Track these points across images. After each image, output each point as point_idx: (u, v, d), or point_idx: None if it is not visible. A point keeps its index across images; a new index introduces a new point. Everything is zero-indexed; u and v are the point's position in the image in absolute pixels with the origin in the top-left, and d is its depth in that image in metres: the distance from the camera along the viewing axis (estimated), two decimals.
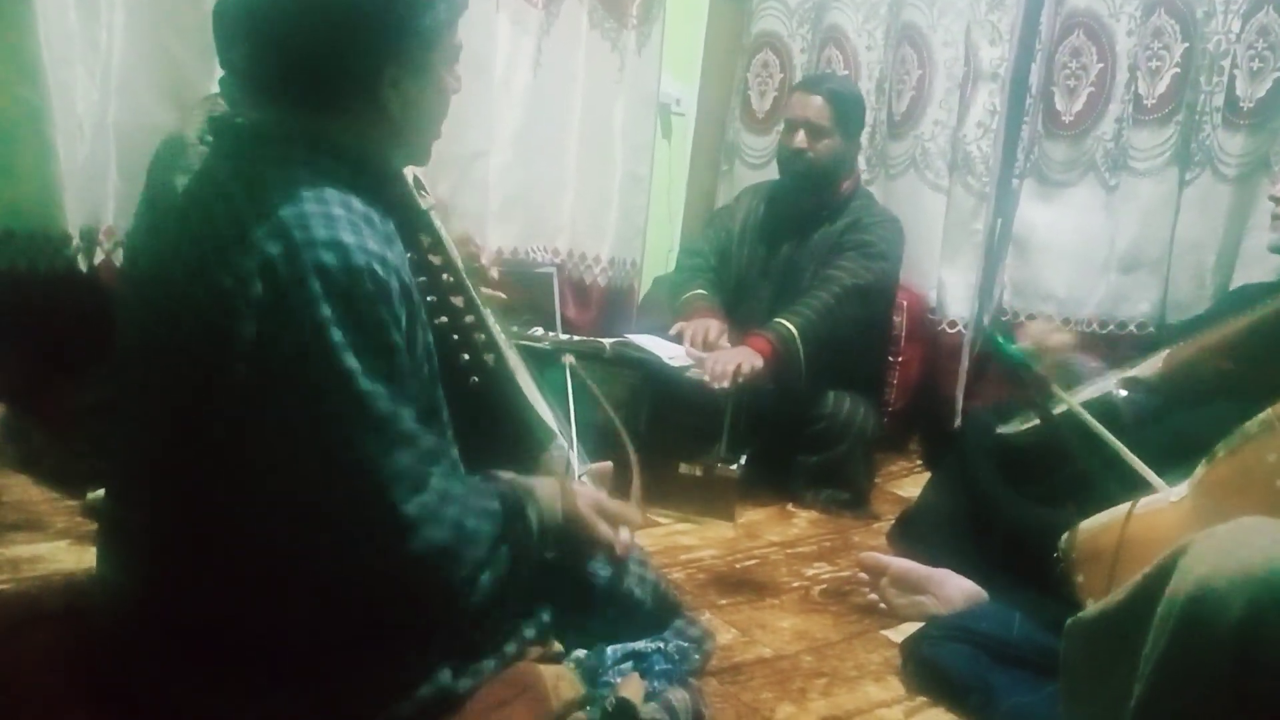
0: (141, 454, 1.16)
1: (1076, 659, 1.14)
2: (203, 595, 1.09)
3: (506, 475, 1.25)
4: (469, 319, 1.31)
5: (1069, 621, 1.16)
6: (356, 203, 1.08)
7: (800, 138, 2.60)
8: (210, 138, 1.20)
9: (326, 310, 1.00)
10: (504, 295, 1.52)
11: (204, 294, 1.04)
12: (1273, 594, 0.91)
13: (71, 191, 2.06)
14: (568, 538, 1.26)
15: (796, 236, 2.69)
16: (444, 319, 1.26)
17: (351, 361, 1.01)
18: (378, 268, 1.04)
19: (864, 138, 3.12)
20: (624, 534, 1.33)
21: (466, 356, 1.28)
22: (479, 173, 2.79)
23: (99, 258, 2.14)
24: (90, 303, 2.06)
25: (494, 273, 1.54)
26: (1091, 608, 1.12)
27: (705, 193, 3.42)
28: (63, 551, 1.74)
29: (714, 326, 2.56)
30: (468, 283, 1.35)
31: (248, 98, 1.18)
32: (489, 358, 1.30)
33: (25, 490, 1.94)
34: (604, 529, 1.30)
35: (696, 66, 3.37)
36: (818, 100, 2.58)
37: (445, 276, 1.31)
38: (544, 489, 1.25)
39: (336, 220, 1.05)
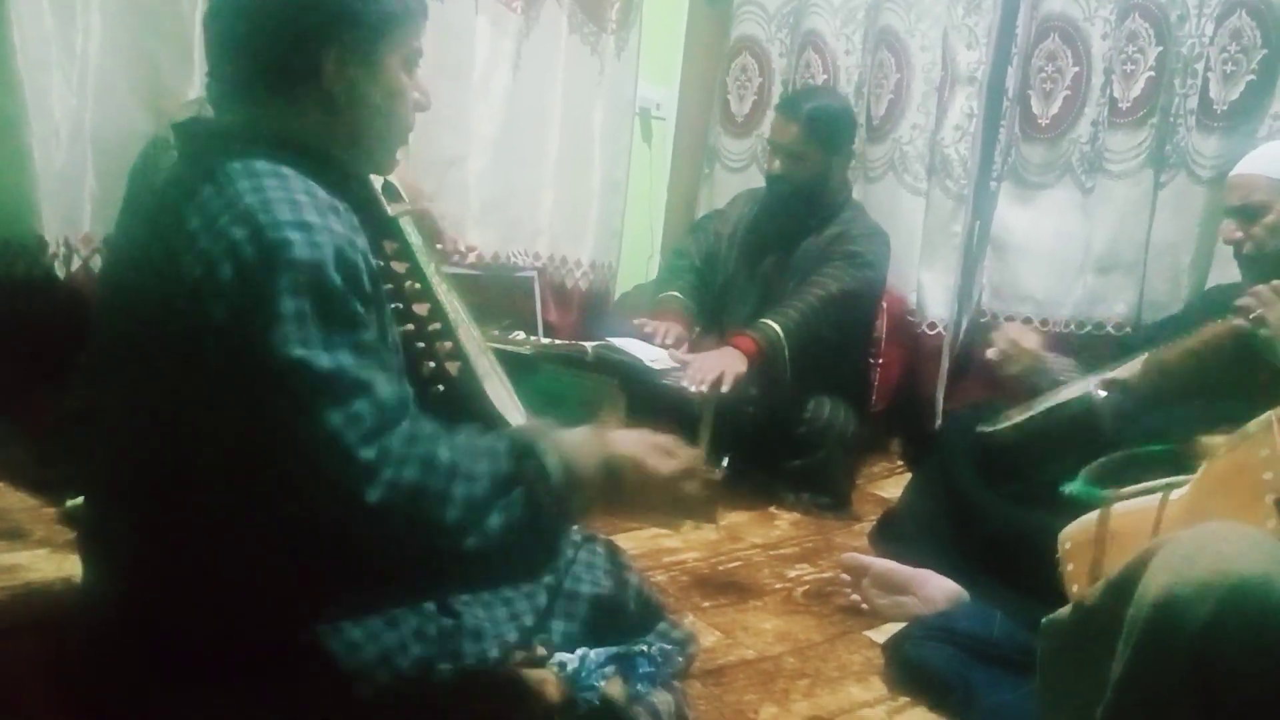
0: (121, 456, 1.16)
1: (1051, 658, 1.15)
2: (185, 598, 1.09)
3: (523, 424, 1.21)
4: (434, 326, 1.30)
5: (1044, 621, 1.17)
6: (321, 192, 1.09)
7: (778, 164, 2.61)
8: (177, 142, 1.20)
9: (282, 281, 1.00)
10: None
11: (175, 287, 1.05)
12: (1236, 601, 0.91)
13: (48, 198, 2.04)
14: (617, 482, 1.16)
15: (785, 244, 2.70)
16: (409, 326, 1.26)
17: (290, 328, 1.00)
18: (344, 246, 1.05)
19: None
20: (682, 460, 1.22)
21: (431, 364, 1.27)
22: (458, 177, 2.79)
23: (76, 264, 2.13)
24: (68, 309, 2.04)
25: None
26: (1065, 608, 1.13)
27: (686, 197, 3.43)
28: (42, 560, 1.73)
29: (674, 330, 2.58)
30: (435, 290, 1.35)
31: (216, 99, 1.19)
32: (453, 366, 1.30)
33: (3, 498, 1.92)
34: (664, 461, 1.19)
35: (676, 71, 3.38)
36: (794, 128, 2.57)
37: (410, 284, 1.31)
38: (571, 433, 1.18)
39: (301, 205, 1.05)
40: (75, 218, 2.12)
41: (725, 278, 2.79)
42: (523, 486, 1.09)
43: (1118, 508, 1.30)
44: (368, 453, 1.01)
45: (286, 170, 1.09)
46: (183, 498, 1.09)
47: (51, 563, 1.71)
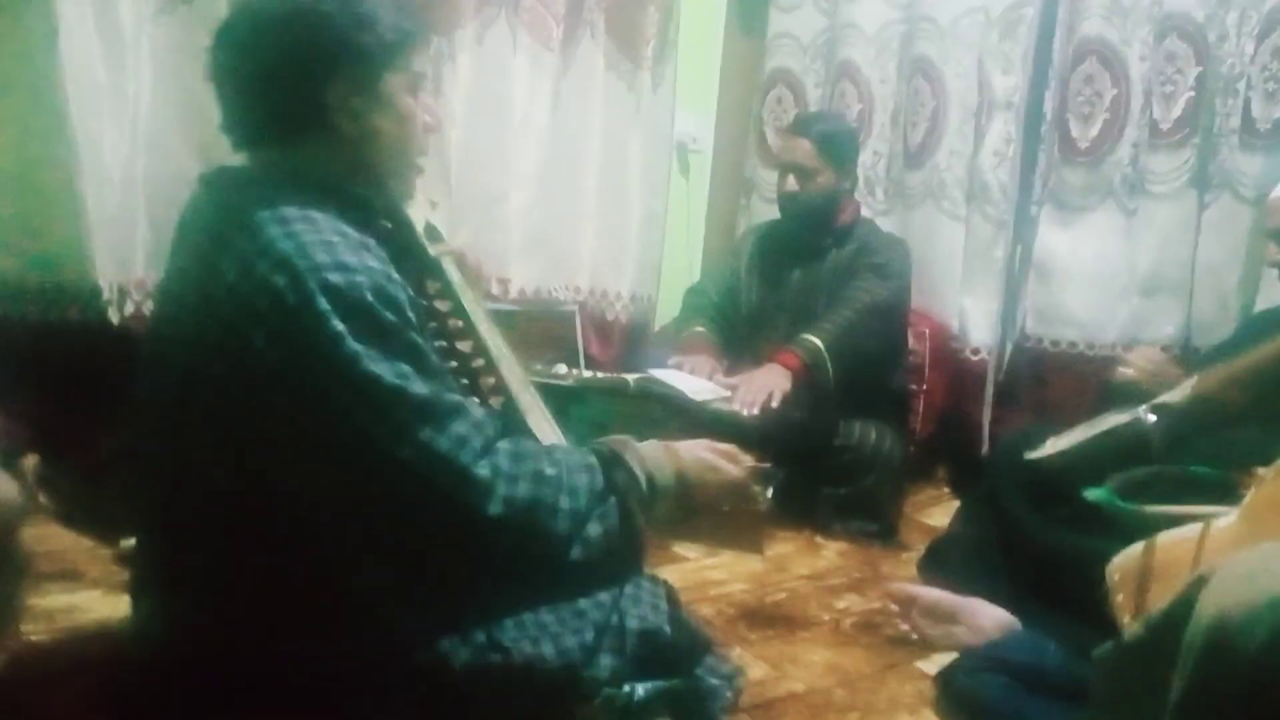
0: (175, 499, 1.18)
1: (1105, 690, 1.13)
2: (250, 633, 1.10)
3: (600, 440, 1.28)
4: (477, 363, 1.33)
5: (1097, 652, 1.15)
6: (350, 231, 1.12)
7: (791, 181, 2.65)
8: (205, 193, 1.23)
9: (338, 325, 1.04)
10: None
11: (220, 338, 1.08)
12: None
13: (102, 244, 2.10)
14: (688, 491, 1.27)
15: (806, 266, 2.72)
16: (453, 363, 1.28)
17: (376, 363, 1.04)
18: (384, 282, 1.08)
19: (880, 169, 3.15)
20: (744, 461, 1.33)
21: (475, 400, 1.29)
22: (500, 214, 2.83)
23: (129, 309, 2.18)
24: (122, 353, 2.08)
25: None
26: (1116, 638, 1.11)
27: (724, 228, 3.45)
28: (98, 601, 1.76)
29: (706, 364, 2.61)
30: (478, 327, 1.37)
31: (236, 147, 1.22)
32: (496, 401, 1.32)
33: (60, 540, 1.96)
34: (730, 466, 1.31)
35: (712, 104, 3.41)
36: (805, 144, 2.62)
37: (453, 322, 1.34)
38: (645, 446, 1.27)
39: (335, 245, 1.08)
40: (128, 263, 2.18)
41: (750, 308, 2.81)
42: (616, 496, 1.17)
43: (1163, 537, 1.28)
44: (482, 470, 1.08)
45: (314, 213, 1.12)
46: (235, 531, 1.11)
47: (107, 603, 1.74)
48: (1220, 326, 2.60)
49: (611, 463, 1.19)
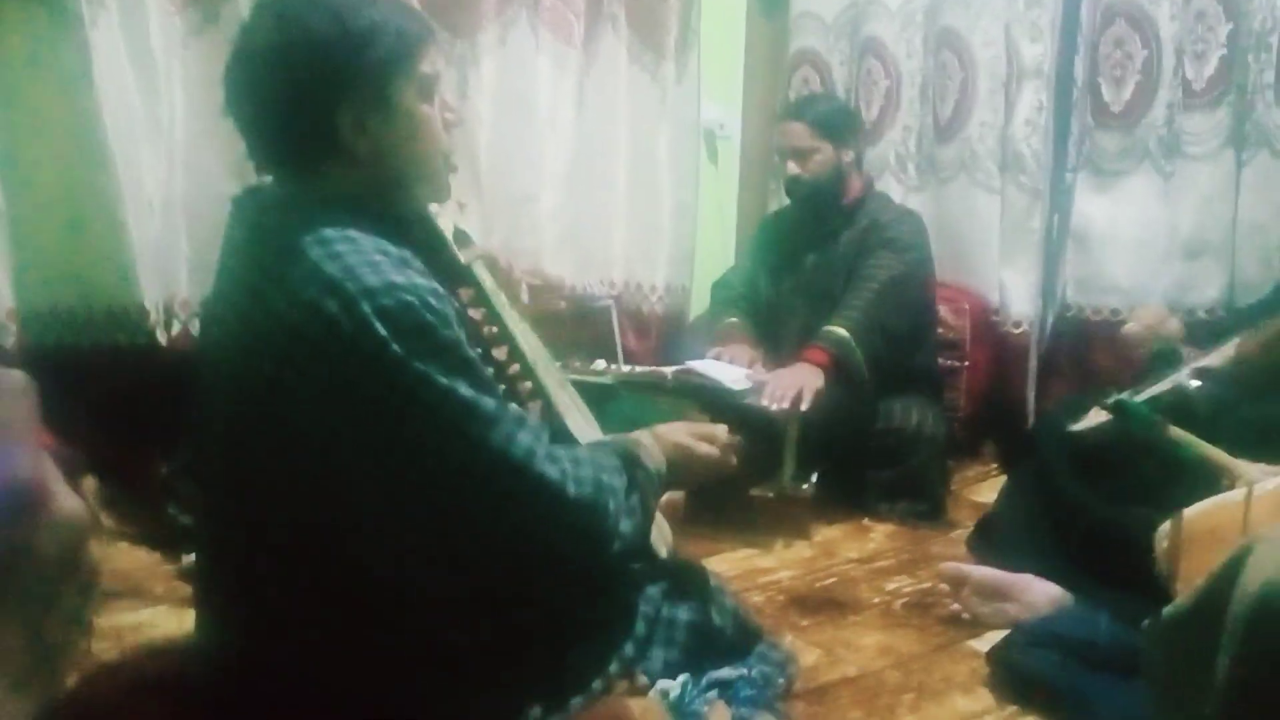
0: (228, 515, 1.22)
1: (1156, 661, 1.13)
2: (313, 648, 1.14)
3: (608, 438, 1.37)
4: (513, 369, 1.35)
5: (1146, 623, 1.15)
6: (390, 248, 1.13)
7: (792, 166, 2.65)
8: (236, 216, 1.24)
9: (398, 348, 1.06)
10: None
11: (271, 364, 1.10)
12: None
13: (146, 267, 2.15)
14: (676, 471, 1.34)
15: (820, 247, 2.71)
16: (489, 370, 1.30)
17: (443, 380, 1.08)
18: (431, 299, 1.10)
19: (911, 144, 3.13)
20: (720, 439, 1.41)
21: (516, 407, 1.31)
22: (532, 214, 2.85)
23: (176, 329, 2.23)
24: (171, 372, 2.14)
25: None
26: (1167, 608, 1.11)
27: (756, 213, 3.43)
28: (163, 616, 1.81)
29: (745, 353, 2.63)
30: (512, 332, 1.39)
31: (262, 171, 1.23)
32: (535, 405, 1.34)
33: (123, 558, 2.01)
34: (705, 447, 1.38)
35: (738, 89, 3.40)
36: (798, 126, 2.63)
37: (488, 329, 1.36)
38: (644, 438, 1.35)
39: (380, 265, 1.09)
40: (172, 284, 2.23)
41: (772, 297, 2.81)
42: (638, 493, 1.23)
43: (1208, 504, 1.28)
44: (553, 472, 1.13)
45: (353, 233, 1.12)
46: (298, 547, 1.14)
47: (173, 618, 1.79)
48: (1265, 286, 2.54)
49: (630, 461, 1.25)
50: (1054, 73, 2.81)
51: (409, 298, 1.08)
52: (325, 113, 1.14)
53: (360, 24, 1.15)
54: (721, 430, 1.43)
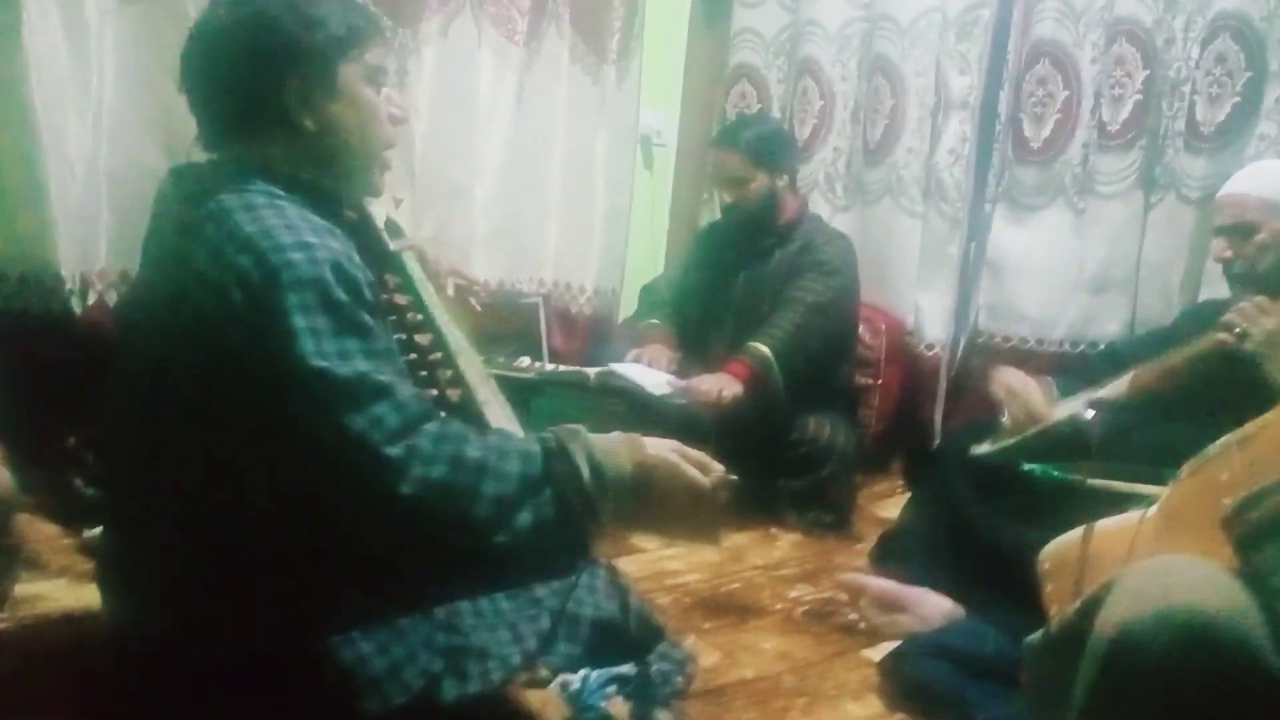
0: (142, 483, 1.22)
1: (1032, 678, 1.19)
2: (205, 617, 1.14)
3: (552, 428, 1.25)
4: (435, 355, 1.36)
5: (1025, 642, 1.21)
6: (316, 218, 1.18)
7: (728, 195, 2.70)
8: (174, 186, 1.27)
9: (291, 298, 1.08)
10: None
11: (190, 321, 1.13)
12: (1190, 637, 0.92)
13: (64, 234, 2.11)
14: (647, 487, 1.22)
15: (752, 265, 2.77)
16: (412, 355, 1.32)
17: (307, 342, 1.08)
18: (343, 262, 1.13)
19: (840, 165, 3.21)
20: (713, 472, 1.27)
21: (433, 392, 1.33)
22: (465, 206, 2.86)
23: (92, 299, 2.19)
24: (84, 343, 2.10)
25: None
26: (1039, 632, 1.17)
27: (688, 222, 3.49)
28: (61, 590, 1.78)
29: (663, 355, 2.68)
30: (436, 320, 1.41)
31: (205, 142, 1.27)
32: (454, 393, 1.35)
33: (23, 529, 1.97)
34: (692, 470, 1.25)
35: (677, 99, 3.45)
36: (733, 156, 2.68)
37: (412, 315, 1.37)
38: (603, 438, 1.23)
39: (299, 228, 1.14)
40: (91, 254, 2.19)
41: (700, 308, 2.86)
42: (553, 487, 1.16)
43: (1100, 525, 1.34)
44: (395, 450, 1.09)
45: (281, 201, 1.17)
46: (205, 518, 1.15)
47: (71, 592, 1.76)
48: (1164, 324, 2.66)
49: (554, 453, 1.18)
50: (979, 106, 2.91)
51: (318, 254, 1.11)
52: (272, 85, 1.20)
53: (311, 9, 1.22)
54: (717, 465, 1.29)
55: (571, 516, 1.18)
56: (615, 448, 1.22)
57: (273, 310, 1.08)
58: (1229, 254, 2.00)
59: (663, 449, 1.26)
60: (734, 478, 1.30)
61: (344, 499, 1.11)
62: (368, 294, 1.15)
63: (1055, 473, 1.84)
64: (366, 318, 1.13)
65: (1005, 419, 2.14)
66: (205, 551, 1.15)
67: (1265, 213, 1.95)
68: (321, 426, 1.08)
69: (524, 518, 1.14)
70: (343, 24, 1.24)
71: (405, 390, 1.13)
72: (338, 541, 1.13)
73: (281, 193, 1.19)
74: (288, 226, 1.13)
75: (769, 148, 2.70)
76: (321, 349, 1.08)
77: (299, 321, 1.08)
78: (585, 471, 1.18)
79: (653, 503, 1.24)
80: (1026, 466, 1.89)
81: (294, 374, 1.08)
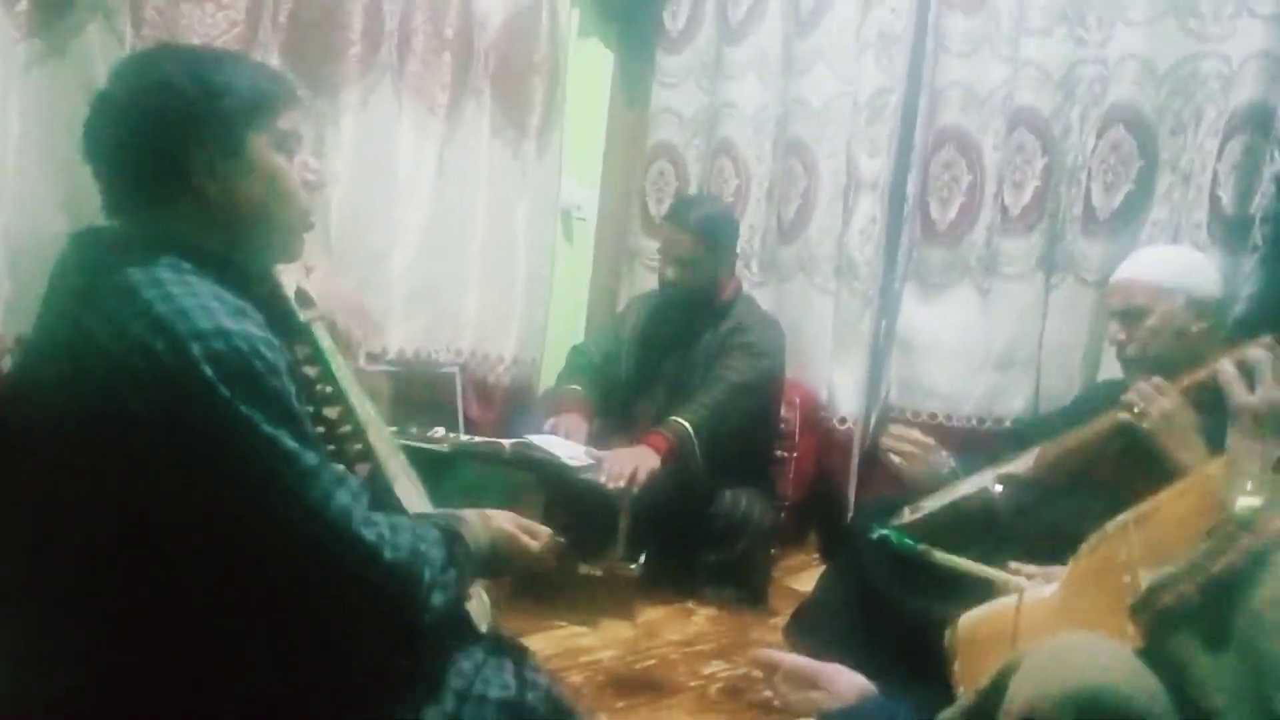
0: (42, 566, 1.15)
1: None
2: (131, 690, 1.09)
3: (435, 511, 1.35)
4: (344, 429, 1.34)
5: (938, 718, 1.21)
6: (227, 295, 1.13)
7: (671, 272, 2.74)
8: (74, 252, 1.22)
9: (225, 391, 1.04)
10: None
11: (93, 402, 1.07)
12: (1096, 716, 0.93)
13: None
14: (496, 557, 1.34)
15: (684, 341, 2.81)
16: (320, 429, 1.29)
17: (268, 428, 1.06)
18: (263, 347, 1.09)
19: (755, 243, 3.27)
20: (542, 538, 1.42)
21: (340, 468, 1.30)
22: (382, 273, 2.84)
23: None
24: None
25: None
26: (948, 710, 1.17)
27: (607, 294, 3.52)
28: None
29: (579, 424, 2.68)
30: (346, 394, 1.38)
31: (108, 208, 1.23)
32: (362, 468, 1.33)
33: None
34: (529, 540, 1.38)
35: (597, 174, 3.50)
36: (685, 238, 2.72)
37: (321, 387, 1.34)
38: (471, 517, 1.33)
39: (213, 310, 1.09)
40: None
41: (629, 377, 2.88)
42: (456, 568, 1.21)
43: (992, 607, 1.36)
44: (370, 535, 1.10)
45: (191, 277, 1.12)
46: (119, 598, 1.10)
47: None
48: (1065, 401, 2.75)
49: (452, 537, 1.24)
50: (888, 188, 3.00)
51: (239, 343, 1.07)
52: (176, 154, 1.17)
53: (216, 76, 1.20)
54: (545, 530, 1.44)
55: (463, 593, 1.26)
56: (476, 526, 1.32)
57: (206, 401, 1.04)
58: (1122, 337, 2.08)
59: (502, 520, 1.37)
60: (561, 540, 1.45)
61: (314, 581, 1.10)
62: (288, 379, 1.12)
63: (907, 540, 1.89)
64: (295, 404, 1.11)
65: (900, 462, 2.19)
66: (101, 629, 1.10)
67: (1155, 298, 2.03)
68: (296, 511, 1.07)
69: (439, 598, 1.18)
70: (250, 90, 1.21)
71: (355, 480, 1.15)
72: (274, 624, 1.11)
73: (189, 266, 1.14)
74: (203, 308, 1.08)
75: (717, 229, 2.75)
76: (277, 435, 1.06)
77: (244, 411, 1.05)
78: (476, 552, 1.27)
79: (494, 566, 1.36)
80: (881, 532, 1.93)
81: (260, 462, 1.06)
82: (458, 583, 1.22)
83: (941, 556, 1.61)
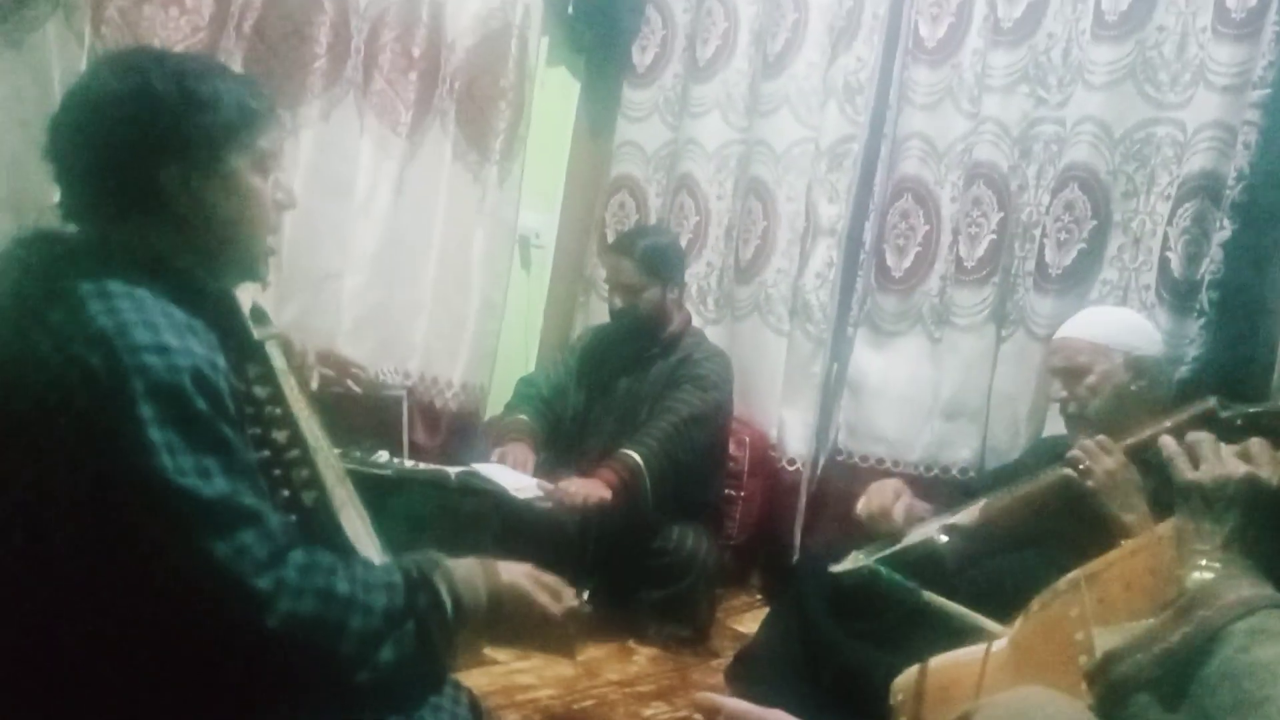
0: None
1: None
2: None
3: (415, 555, 1.21)
4: (292, 454, 1.29)
5: None
6: (178, 312, 1.08)
7: (618, 299, 2.75)
8: (20, 256, 1.15)
9: (145, 410, 0.99)
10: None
11: (26, 414, 1.02)
12: None
13: None
14: (499, 614, 1.20)
15: (634, 372, 2.81)
16: (266, 453, 1.24)
17: (166, 458, 0.99)
18: (204, 368, 1.04)
19: (712, 280, 3.28)
20: (566, 600, 1.26)
21: (286, 493, 1.25)
22: (333, 291, 2.80)
23: None
24: None
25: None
26: None
27: (562, 322, 3.50)
28: None
29: (524, 455, 2.65)
30: (296, 417, 1.34)
31: (65, 213, 1.16)
32: (308, 495, 1.28)
33: None
34: (544, 597, 1.23)
35: (557, 202, 3.49)
36: (627, 264, 2.73)
37: (270, 409, 1.30)
38: (461, 565, 1.19)
39: (158, 326, 1.04)
40: None
41: (578, 408, 2.86)
42: (415, 620, 1.11)
43: (942, 659, 1.35)
44: (263, 583, 1.01)
45: (142, 292, 1.07)
46: (35, 633, 1.04)
47: None
48: (1011, 452, 2.78)
49: (418, 584, 1.13)
50: (846, 234, 3.03)
51: (177, 360, 1.02)
52: (149, 167, 1.12)
53: (202, 88, 1.14)
54: (569, 591, 1.27)
55: (430, 649, 1.13)
56: (472, 577, 1.19)
57: (123, 418, 0.98)
58: (1064, 395, 2.11)
59: (516, 574, 1.23)
60: (587, 604, 1.28)
61: (204, 627, 1.02)
62: (229, 403, 1.06)
63: (897, 576, 1.87)
64: (227, 431, 1.05)
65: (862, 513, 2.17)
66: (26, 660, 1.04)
67: (1094, 356, 2.07)
68: (181, 550, 0.99)
69: (387, 653, 1.08)
70: (237, 108, 1.16)
71: (272, 517, 1.06)
72: (181, 670, 1.03)
73: (142, 280, 1.08)
74: (146, 324, 1.03)
75: (662, 260, 2.76)
76: (179, 465, 0.99)
77: (155, 435, 0.99)
78: (449, 605, 1.14)
79: (502, 627, 1.23)
80: (870, 563, 1.91)
81: (151, 491, 0.99)
82: (419, 635, 1.10)
83: (930, 597, 1.59)
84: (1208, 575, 1.03)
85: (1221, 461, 1.10)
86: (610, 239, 3.43)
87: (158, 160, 1.12)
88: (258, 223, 1.21)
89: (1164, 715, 0.90)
